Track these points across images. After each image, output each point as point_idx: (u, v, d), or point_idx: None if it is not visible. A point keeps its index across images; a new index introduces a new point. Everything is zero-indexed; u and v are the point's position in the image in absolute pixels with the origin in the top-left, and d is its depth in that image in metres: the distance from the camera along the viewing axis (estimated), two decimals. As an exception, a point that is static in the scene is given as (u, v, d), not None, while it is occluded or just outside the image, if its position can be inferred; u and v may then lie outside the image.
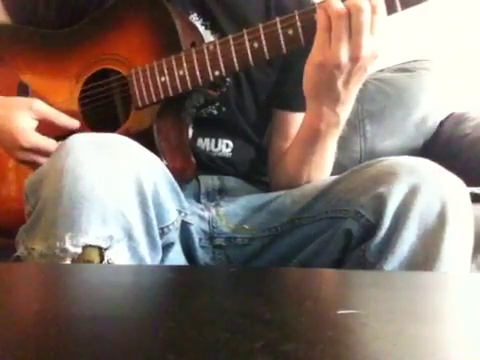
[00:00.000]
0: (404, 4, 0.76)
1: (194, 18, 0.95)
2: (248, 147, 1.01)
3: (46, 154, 0.85)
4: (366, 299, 0.48)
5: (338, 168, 0.96)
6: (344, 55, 0.76)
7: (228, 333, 0.36)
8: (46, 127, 0.89)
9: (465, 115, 1.61)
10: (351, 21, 0.74)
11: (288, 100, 1.01)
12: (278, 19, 0.80)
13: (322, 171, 0.94)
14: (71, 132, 0.89)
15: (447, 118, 1.65)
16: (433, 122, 1.64)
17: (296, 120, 0.99)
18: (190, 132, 0.95)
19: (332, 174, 0.94)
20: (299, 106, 0.97)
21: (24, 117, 0.88)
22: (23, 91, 0.96)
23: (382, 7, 0.75)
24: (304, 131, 0.90)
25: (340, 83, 0.79)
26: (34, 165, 0.86)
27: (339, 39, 0.75)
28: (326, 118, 0.84)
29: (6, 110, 0.88)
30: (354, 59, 0.76)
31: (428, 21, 1.70)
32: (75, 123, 0.91)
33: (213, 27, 0.95)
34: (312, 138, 0.88)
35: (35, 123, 0.88)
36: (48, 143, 0.87)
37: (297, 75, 0.84)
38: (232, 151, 0.98)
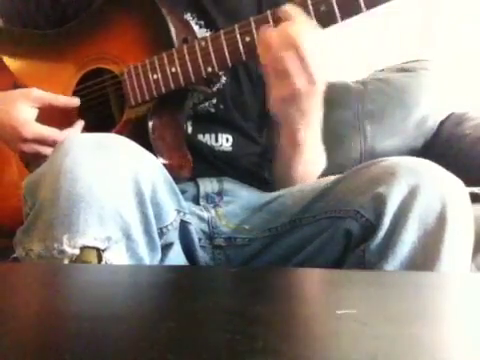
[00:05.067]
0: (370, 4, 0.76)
1: (188, 17, 0.95)
2: (248, 142, 1.01)
3: (50, 144, 0.85)
4: (366, 299, 0.48)
5: (338, 168, 0.95)
6: (302, 82, 0.76)
7: (228, 333, 0.35)
8: (47, 113, 0.89)
9: (465, 115, 1.61)
10: (298, 53, 0.74)
11: None
12: (269, 12, 0.80)
13: (316, 163, 0.95)
14: (72, 115, 0.89)
15: (447, 118, 1.65)
16: (433, 122, 1.64)
17: None
18: (190, 129, 0.95)
19: (332, 174, 0.94)
20: None
21: (23, 108, 0.87)
22: None
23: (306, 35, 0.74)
24: (286, 143, 0.90)
25: (309, 99, 0.80)
26: (38, 157, 0.86)
27: (296, 74, 0.75)
28: (303, 124, 0.85)
29: (4, 104, 0.88)
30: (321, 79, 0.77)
31: (428, 21, 1.70)
32: (75, 101, 0.91)
33: (208, 25, 0.95)
34: (294, 145, 0.89)
35: (35, 112, 0.88)
36: (51, 132, 0.87)
37: None
38: (232, 145, 0.98)
